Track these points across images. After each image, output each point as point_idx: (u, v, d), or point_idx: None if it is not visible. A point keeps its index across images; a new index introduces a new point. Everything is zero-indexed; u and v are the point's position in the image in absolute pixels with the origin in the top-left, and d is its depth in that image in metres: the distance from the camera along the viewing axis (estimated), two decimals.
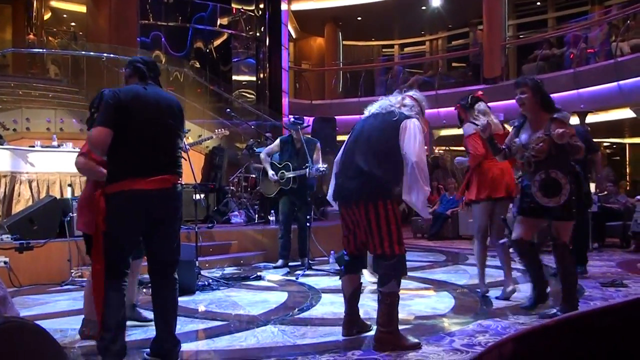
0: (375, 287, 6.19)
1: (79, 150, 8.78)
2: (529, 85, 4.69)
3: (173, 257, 3.63)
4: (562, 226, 4.67)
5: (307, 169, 7.42)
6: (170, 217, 3.58)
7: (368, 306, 4.73)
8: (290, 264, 7.97)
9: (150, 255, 3.64)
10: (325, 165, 7.57)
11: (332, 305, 5.27)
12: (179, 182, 3.62)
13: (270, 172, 7.88)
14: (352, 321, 4.16)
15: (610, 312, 0.71)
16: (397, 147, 3.83)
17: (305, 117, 8.69)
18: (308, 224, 7.63)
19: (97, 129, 3.40)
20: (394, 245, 3.82)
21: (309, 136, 8.48)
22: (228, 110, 11.15)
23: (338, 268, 7.38)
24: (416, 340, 3.90)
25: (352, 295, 4.15)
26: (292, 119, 8.12)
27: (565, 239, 4.70)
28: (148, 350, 3.58)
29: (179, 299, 4.44)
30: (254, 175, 10.97)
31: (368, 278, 6.22)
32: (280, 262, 7.87)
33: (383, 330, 3.83)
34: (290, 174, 7.76)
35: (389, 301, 3.84)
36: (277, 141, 8.17)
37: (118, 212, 3.42)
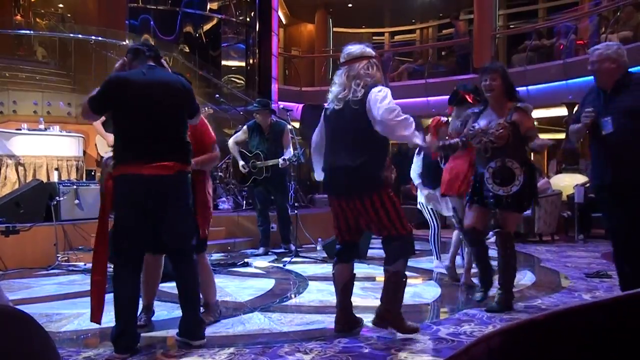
0: (439, 270, 6.42)
1: (65, 133, 8.76)
2: (499, 72, 4.67)
3: (181, 244, 3.60)
4: (509, 216, 4.66)
5: (280, 159, 7.33)
6: (172, 204, 3.51)
7: (355, 294, 4.74)
8: (274, 250, 7.97)
9: (163, 245, 3.65)
10: (295, 152, 7.48)
11: (319, 293, 5.28)
12: (185, 169, 3.56)
13: (241, 163, 7.68)
14: (344, 315, 4.02)
15: (601, 308, 0.72)
16: (373, 129, 3.76)
17: (293, 104, 8.58)
18: (295, 212, 7.61)
19: (86, 104, 3.55)
20: (398, 228, 3.80)
21: (278, 119, 8.20)
22: (217, 95, 11.08)
23: (325, 255, 7.48)
24: (416, 326, 3.90)
25: (344, 287, 4.03)
26: (255, 103, 7.92)
27: (510, 228, 4.70)
28: (177, 331, 3.69)
29: (167, 284, 4.48)
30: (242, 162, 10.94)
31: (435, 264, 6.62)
32: (261, 249, 7.85)
33: (385, 307, 3.82)
34: (261, 164, 7.62)
35: (394, 280, 3.83)
36: (244, 128, 7.91)
37: (121, 195, 3.44)
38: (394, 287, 3.85)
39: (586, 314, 0.71)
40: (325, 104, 4.11)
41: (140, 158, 3.39)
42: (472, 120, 4.77)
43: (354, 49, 3.97)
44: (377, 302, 3.95)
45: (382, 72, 3.99)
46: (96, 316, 3.48)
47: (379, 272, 5.68)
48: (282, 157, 7.29)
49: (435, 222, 6.53)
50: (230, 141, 7.92)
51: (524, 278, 6.20)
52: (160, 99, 3.48)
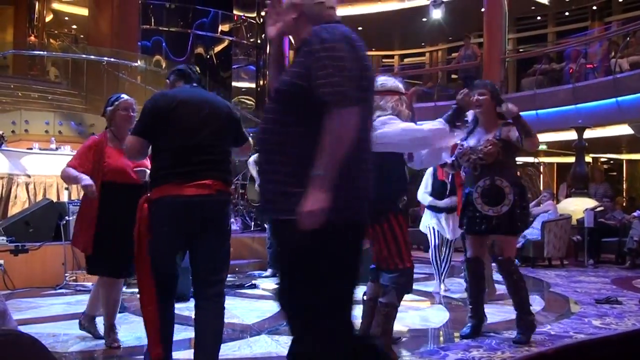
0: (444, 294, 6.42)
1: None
2: (488, 88, 4.55)
3: (214, 276, 3.21)
4: (505, 241, 4.49)
5: None
6: (211, 228, 3.17)
7: None
8: None
9: (193, 272, 3.27)
10: None
11: None
12: (226, 189, 3.23)
13: (258, 182, 7.79)
14: (367, 325, 4.01)
15: (609, 343, 0.71)
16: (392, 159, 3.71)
17: None
18: None
19: (130, 138, 3.28)
20: (403, 259, 3.67)
21: None
22: None
23: None
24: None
25: (370, 299, 3.98)
26: None
27: (510, 253, 4.50)
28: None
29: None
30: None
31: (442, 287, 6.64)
32: (269, 271, 7.82)
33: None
34: None
35: (385, 312, 3.70)
36: None
37: (159, 220, 3.13)
38: (384, 319, 3.70)
39: (594, 349, 0.71)
40: None
41: (182, 178, 3.08)
42: (460, 139, 4.57)
43: (388, 81, 3.86)
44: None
45: (410, 110, 3.90)
46: (155, 349, 3.19)
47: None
48: None
49: (436, 241, 6.54)
50: (251, 160, 8.08)
51: (533, 303, 6.12)
52: (203, 116, 3.21)
